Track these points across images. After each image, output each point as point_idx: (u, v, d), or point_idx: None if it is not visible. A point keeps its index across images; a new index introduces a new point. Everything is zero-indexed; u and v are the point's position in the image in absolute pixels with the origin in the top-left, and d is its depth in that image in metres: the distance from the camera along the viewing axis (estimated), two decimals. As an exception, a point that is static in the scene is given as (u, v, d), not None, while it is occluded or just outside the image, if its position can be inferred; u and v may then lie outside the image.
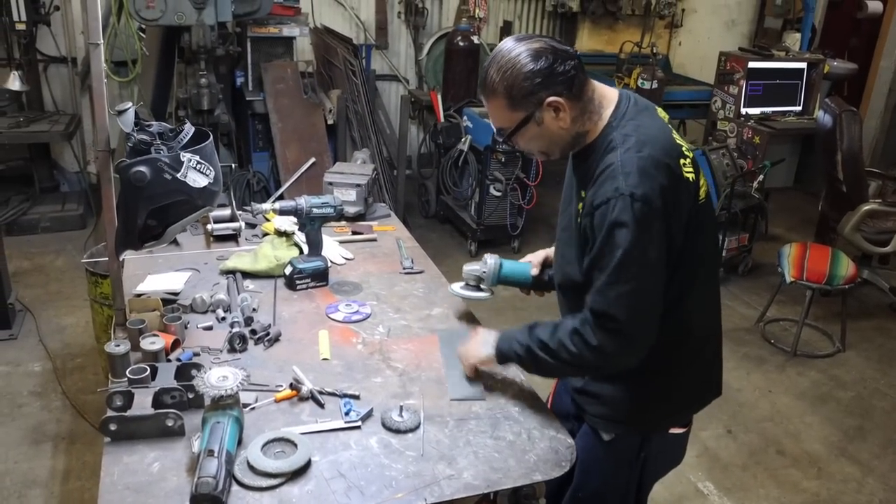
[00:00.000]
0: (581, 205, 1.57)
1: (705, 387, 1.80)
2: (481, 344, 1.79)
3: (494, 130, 1.64)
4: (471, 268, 2.07)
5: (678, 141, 1.58)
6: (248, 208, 2.59)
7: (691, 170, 1.56)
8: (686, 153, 1.57)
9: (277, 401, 1.72)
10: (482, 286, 2.09)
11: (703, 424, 3.37)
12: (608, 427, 1.71)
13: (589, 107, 1.55)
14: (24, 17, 4.80)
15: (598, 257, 1.50)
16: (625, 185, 1.44)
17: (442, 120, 5.31)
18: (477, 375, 1.85)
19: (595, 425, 1.73)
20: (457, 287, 2.14)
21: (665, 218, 1.46)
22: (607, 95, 1.59)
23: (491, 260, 2.04)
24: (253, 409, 1.69)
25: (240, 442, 1.54)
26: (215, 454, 1.41)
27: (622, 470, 1.76)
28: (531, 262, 2.03)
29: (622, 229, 1.44)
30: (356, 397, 1.75)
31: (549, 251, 2.02)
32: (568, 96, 1.51)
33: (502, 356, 1.74)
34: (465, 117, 5.04)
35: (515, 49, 1.50)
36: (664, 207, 1.46)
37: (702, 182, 1.60)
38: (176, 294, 2.15)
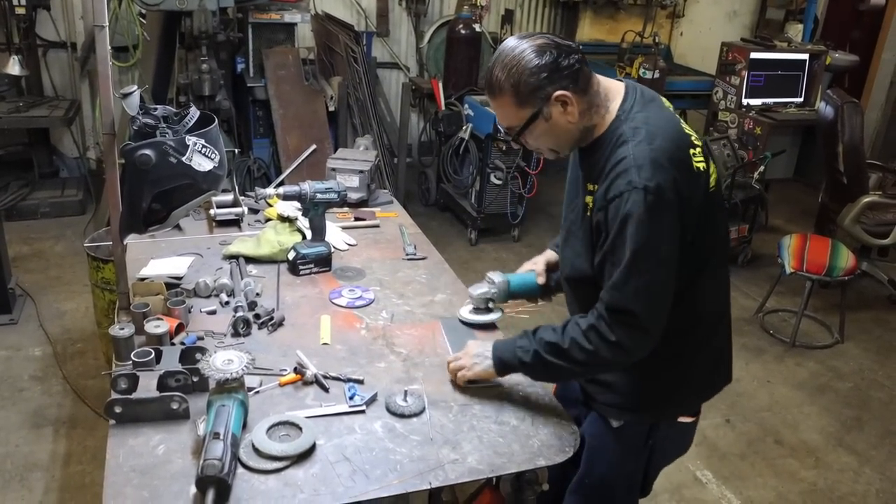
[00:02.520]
0: (590, 198, 1.56)
1: (715, 374, 1.80)
2: (475, 358, 1.75)
3: (503, 130, 1.62)
4: (479, 291, 2.01)
5: (687, 131, 1.58)
6: (250, 194, 2.58)
7: (702, 159, 1.56)
8: (696, 142, 1.57)
9: (282, 385, 1.73)
10: (491, 306, 2.03)
11: (701, 413, 3.38)
12: (617, 414, 1.72)
13: (595, 100, 1.55)
14: (23, 2, 4.78)
15: (611, 251, 1.50)
16: (638, 178, 1.44)
17: (443, 108, 5.29)
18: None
19: (604, 413, 1.74)
20: (466, 313, 2.06)
21: (677, 210, 1.47)
22: (613, 88, 1.58)
23: (498, 278, 1.99)
24: (257, 392, 1.69)
25: (245, 425, 1.54)
26: (221, 437, 1.41)
27: (630, 457, 1.77)
28: (534, 270, 2.00)
29: (635, 222, 1.44)
30: (360, 382, 1.75)
31: (549, 255, 2.00)
32: (574, 90, 1.50)
33: (504, 367, 1.71)
34: (465, 105, 5.03)
35: (518, 46, 1.50)
36: (676, 199, 1.46)
37: (712, 170, 1.60)
38: (179, 278, 2.15)
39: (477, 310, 2.04)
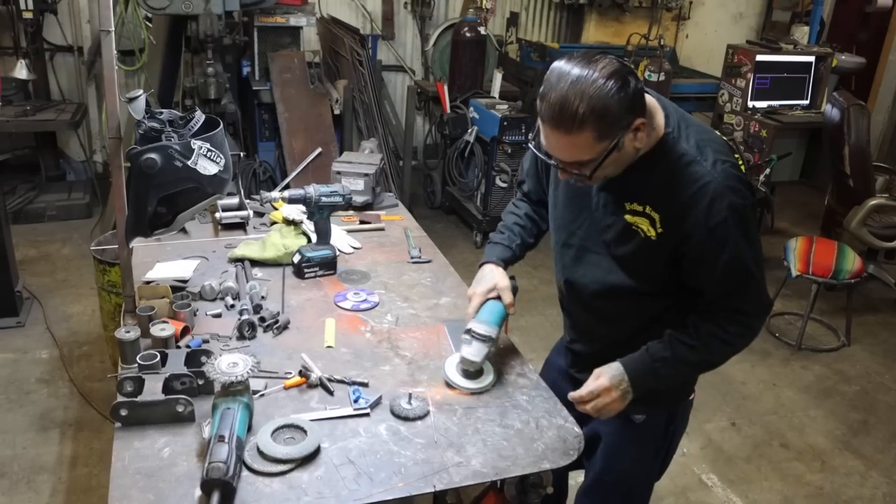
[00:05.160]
0: (640, 219, 1.55)
1: None
2: (615, 392, 1.62)
3: (557, 165, 1.48)
4: (481, 354, 1.75)
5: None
6: (255, 197, 2.59)
7: (741, 163, 1.61)
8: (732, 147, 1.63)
9: (287, 388, 1.73)
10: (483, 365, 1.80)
11: (707, 416, 3.38)
12: (641, 409, 1.74)
13: (650, 121, 1.49)
14: (30, 6, 4.80)
15: (730, 268, 1.52)
16: (737, 199, 1.47)
17: (448, 111, 5.30)
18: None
19: (627, 411, 1.71)
20: (458, 377, 1.78)
21: None
22: (649, 102, 1.50)
23: (491, 331, 1.75)
24: (262, 395, 1.69)
25: (250, 428, 1.55)
26: (226, 440, 1.41)
27: (651, 448, 1.81)
28: (496, 299, 1.83)
29: (746, 240, 1.51)
30: (365, 385, 1.75)
31: (502, 276, 1.87)
32: (643, 113, 1.44)
33: (644, 390, 1.64)
34: (471, 108, 5.03)
35: (592, 73, 1.35)
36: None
37: None
38: (185, 281, 2.16)
39: (467, 371, 1.79)
